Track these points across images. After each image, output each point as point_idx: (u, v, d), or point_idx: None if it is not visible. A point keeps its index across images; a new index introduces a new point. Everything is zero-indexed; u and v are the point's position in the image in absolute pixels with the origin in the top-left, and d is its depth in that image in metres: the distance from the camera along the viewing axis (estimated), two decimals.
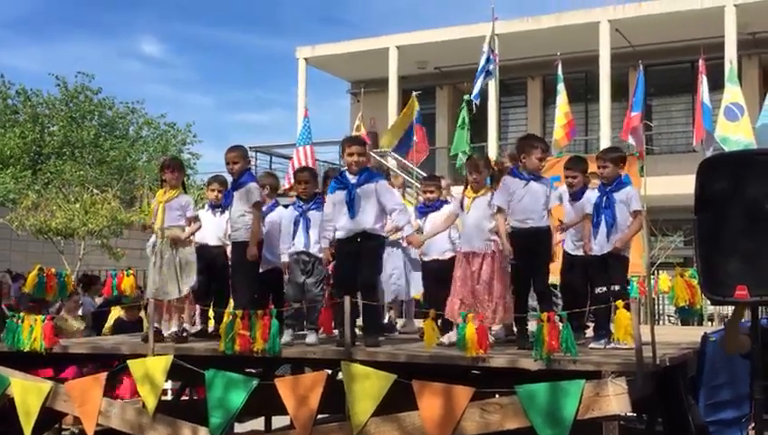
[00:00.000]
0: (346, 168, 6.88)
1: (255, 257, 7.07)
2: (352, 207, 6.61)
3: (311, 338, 6.83)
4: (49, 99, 35.70)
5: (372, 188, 6.66)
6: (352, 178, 6.70)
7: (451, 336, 6.43)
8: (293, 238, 7.04)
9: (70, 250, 20.50)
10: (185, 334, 7.29)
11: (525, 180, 6.43)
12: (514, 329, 6.92)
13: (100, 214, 20.14)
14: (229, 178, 7.54)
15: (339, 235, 6.76)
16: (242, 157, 7.29)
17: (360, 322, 6.94)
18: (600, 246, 6.55)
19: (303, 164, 15.37)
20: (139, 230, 7.59)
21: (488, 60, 15.58)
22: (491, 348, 5.87)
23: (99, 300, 11.99)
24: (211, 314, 7.82)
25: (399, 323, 8.56)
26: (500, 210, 6.46)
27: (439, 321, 6.66)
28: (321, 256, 7.01)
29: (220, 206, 7.85)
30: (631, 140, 13.93)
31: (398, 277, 7.85)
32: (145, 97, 68.93)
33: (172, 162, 7.65)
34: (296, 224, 7.05)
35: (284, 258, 7.17)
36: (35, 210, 20.50)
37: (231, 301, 7.48)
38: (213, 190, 8.02)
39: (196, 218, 7.38)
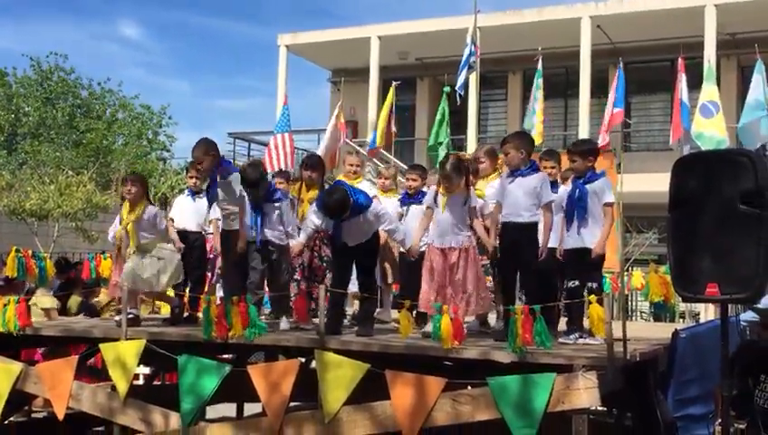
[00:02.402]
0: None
1: (243, 249, 7.02)
2: (339, 235, 6.70)
3: (283, 324, 6.86)
4: (24, 78, 35.32)
5: (359, 220, 6.67)
6: None
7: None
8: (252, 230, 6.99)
9: (43, 232, 20.32)
10: (135, 318, 7.30)
11: (512, 176, 6.46)
12: (492, 321, 6.97)
13: (75, 196, 19.99)
14: None
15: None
16: (205, 152, 6.97)
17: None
18: (572, 238, 6.50)
19: (281, 151, 15.36)
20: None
21: (470, 53, 15.58)
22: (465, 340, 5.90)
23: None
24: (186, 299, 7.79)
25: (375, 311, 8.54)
26: (498, 204, 6.56)
27: (414, 311, 6.68)
28: (284, 244, 7.02)
29: (201, 191, 7.79)
30: (607, 138, 14.03)
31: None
32: (123, 80, 68.11)
33: (131, 178, 7.45)
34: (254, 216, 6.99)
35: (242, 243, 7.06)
36: (9, 191, 20.32)
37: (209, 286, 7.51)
38: (192, 177, 7.96)
39: (167, 229, 7.39)
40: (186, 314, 7.62)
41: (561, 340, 6.37)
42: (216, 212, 7.24)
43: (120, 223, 7.39)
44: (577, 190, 6.50)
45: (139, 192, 7.25)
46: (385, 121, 15.82)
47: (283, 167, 14.60)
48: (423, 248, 7.10)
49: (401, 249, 7.60)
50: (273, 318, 7.36)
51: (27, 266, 8.24)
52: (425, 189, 7.82)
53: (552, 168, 7.07)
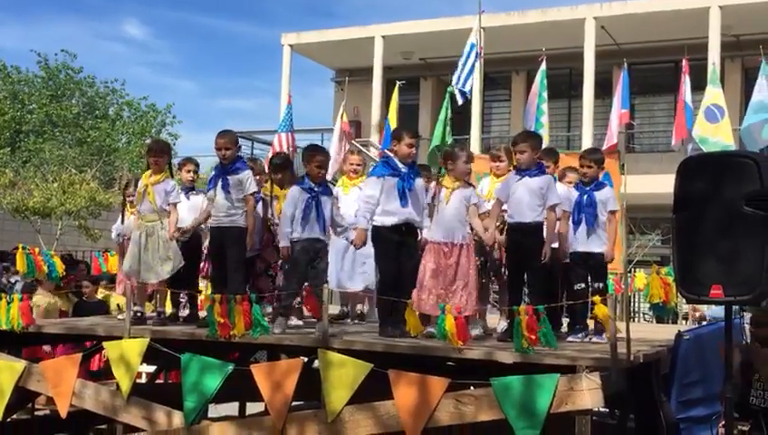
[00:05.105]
0: (394, 155, 6.74)
1: (253, 246, 7.01)
2: (405, 196, 6.57)
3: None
4: (29, 77, 35.34)
5: (421, 183, 6.72)
6: (404, 168, 6.63)
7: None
8: (306, 223, 6.73)
9: (46, 230, 20.34)
10: (141, 315, 7.30)
11: (520, 175, 6.50)
12: (493, 322, 6.97)
13: (79, 194, 20.02)
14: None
15: (386, 221, 6.59)
16: (233, 142, 7.05)
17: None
18: (580, 243, 6.71)
19: (284, 150, 15.27)
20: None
21: (477, 55, 15.54)
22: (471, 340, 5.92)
23: None
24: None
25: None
26: (498, 200, 6.63)
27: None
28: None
29: (193, 188, 7.78)
30: (615, 138, 14.01)
31: (369, 266, 7.75)
32: (127, 79, 67.99)
33: (155, 146, 7.52)
34: (308, 208, 6.73)
35: (285, 242, 6.79)
36: (12, 188, 20.35)
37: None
38: (189, 172, 7.87)
39: (175, 206, 7.31)
40: (186, 313, 7.61)
41: (569, 338, 6.42)
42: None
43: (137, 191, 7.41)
44: (586, 197, 6.73)
45: (163, 161, 7.34)
46: (396, 123, 15.81)
47: None
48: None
49: None
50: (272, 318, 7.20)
51: (36, 263, 8.26)
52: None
53: (547, 167, 7.05)
